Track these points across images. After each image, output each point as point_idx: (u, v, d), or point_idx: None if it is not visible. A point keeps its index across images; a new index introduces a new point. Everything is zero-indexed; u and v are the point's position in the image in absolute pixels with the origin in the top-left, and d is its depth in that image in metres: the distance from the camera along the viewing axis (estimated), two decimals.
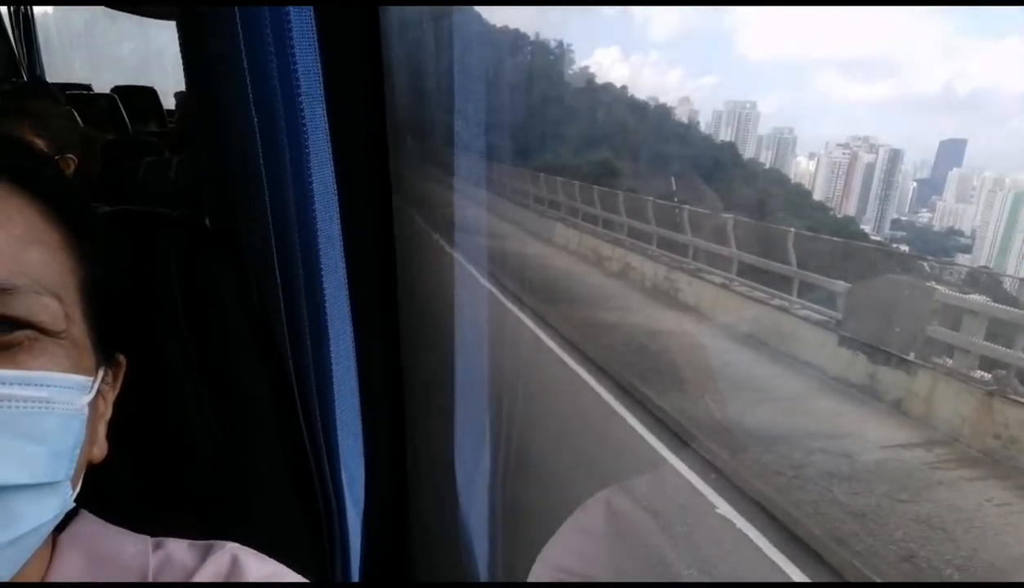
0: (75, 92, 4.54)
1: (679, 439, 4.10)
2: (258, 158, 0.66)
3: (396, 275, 0.84)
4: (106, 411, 0.56)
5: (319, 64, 0.67)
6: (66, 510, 0.50)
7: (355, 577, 0.79)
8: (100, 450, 0.55)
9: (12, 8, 5.10)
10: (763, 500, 3.62)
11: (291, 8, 0.64)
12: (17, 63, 4.89)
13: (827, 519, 3.61)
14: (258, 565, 0.57)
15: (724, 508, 3.62)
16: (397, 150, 0.90)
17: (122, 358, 0.58)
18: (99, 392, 0.53)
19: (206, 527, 0.57)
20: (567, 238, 8.66)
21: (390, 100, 0.84)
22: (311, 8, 0.65)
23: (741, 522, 3.53)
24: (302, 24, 0.65)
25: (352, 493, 0.77)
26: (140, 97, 4.31)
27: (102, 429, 0.55)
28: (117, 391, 0.57)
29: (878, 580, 3.19)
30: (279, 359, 0.71)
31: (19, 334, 0.47)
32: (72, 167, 1.84)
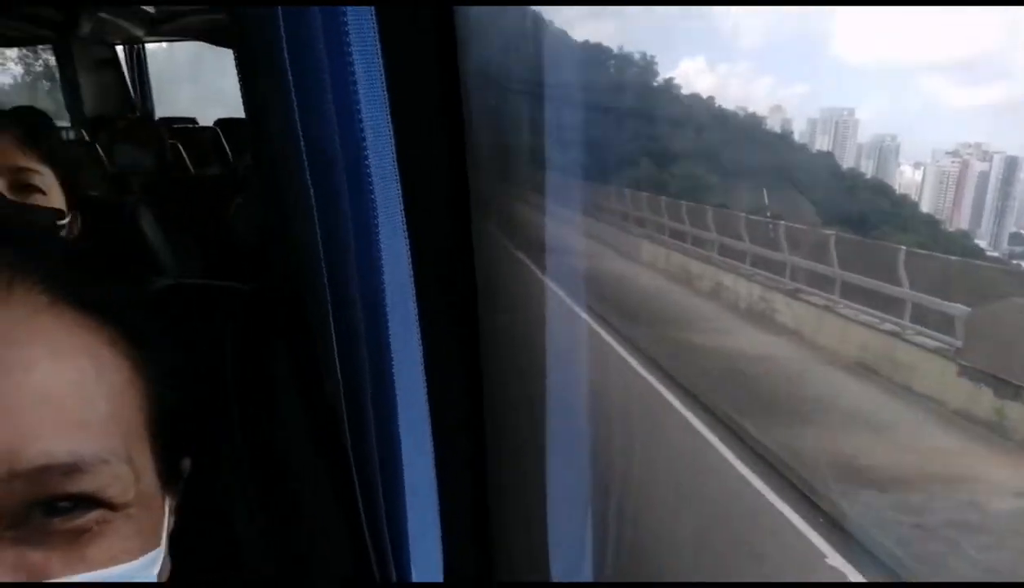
0: (181, 126, 4.77)
1: (783, 478, 3.84)
2: (314, 222, 0.58)
3: (476, 290, 0.75)
4: (171, 526, 0.49)
5: (382, 67, 0.59)
6: None
7: None
8: (164, 571, 0.48)
9: (127, 48, 5.45)
10: (878, 550, 3.33)
11: (349, 11, 0.56)
12: (131, 98, 5.20)
13: (955, 576, 3.28)
14: None
15: (835, 559, 3.35)
16: (476, 163, 0.82)
17: (187, 463, 0.51)
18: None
19: (261, 554, 0.50)
20: (654, 256, 8.42)
21: (467, 116, 0.76)
22: (372, 10, 0.58)
23: (856, 576, 3.25)
24: (361, 26, 0.57)
25: (420, 519, 0.68)
26: (240, 129, 4.48)
27: (165, 558, 0.48)
28: (177, 496, 0.50)
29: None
30: (338, 446, 0.63)
31: (90, 517, 0.39)
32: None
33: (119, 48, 5.26)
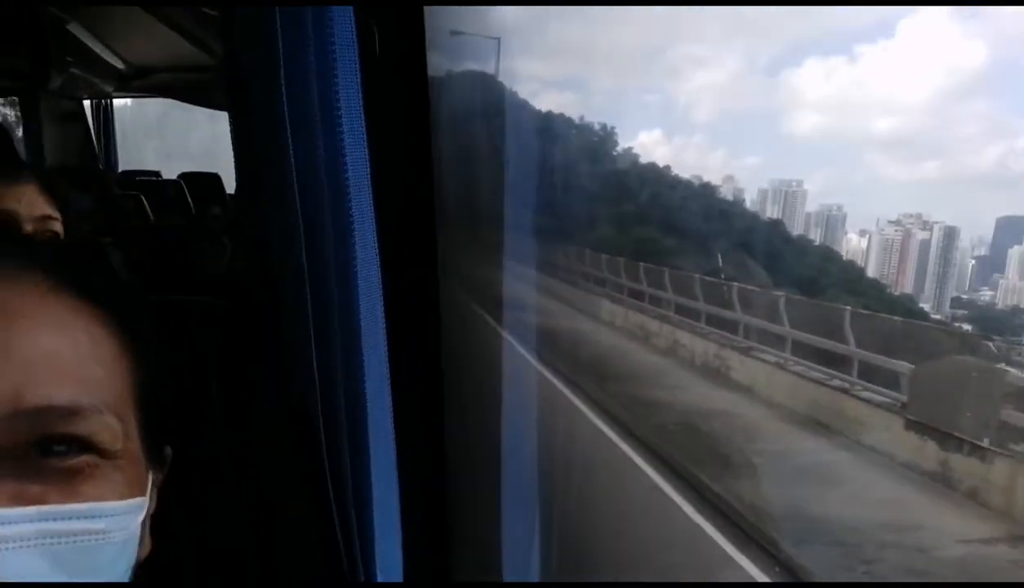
0: (144, 178, 4.80)
1: (738, 528, 3.87)
2: (300, 247, 0.65)
3: (442, 372, 0.81)
4: (152, 507, 0.54)
5: (366, 145, 0.66)
6: None
7: None
8: (145, 548, 0.53)
9: (94, 102, 5.50)
10: None
11: (338, 70, 0.63)
12: (94, 151, 5.23)
13: None
14: None
15: None
16: (444, 228, 0.89)
17: (169, 452, 0.56)
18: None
19: (230, 556, 0.54)
20: (613, 314, 8.59)
21: (437, 180, 0.83)
22: (358, 68, 0.65)
23: None
24: (349, 95, 0.64)
25: (384, 522, 0.71)
26: (204, 183, 4.54)
27: (147, 526, 0.53)
28: (160, 482, 0.55)
29: None
30: (315, 460, 0.67)
31: (82, 459, 0.45)
32: None
33: (86, 102, 5.31)
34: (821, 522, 4.01)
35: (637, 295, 8.65)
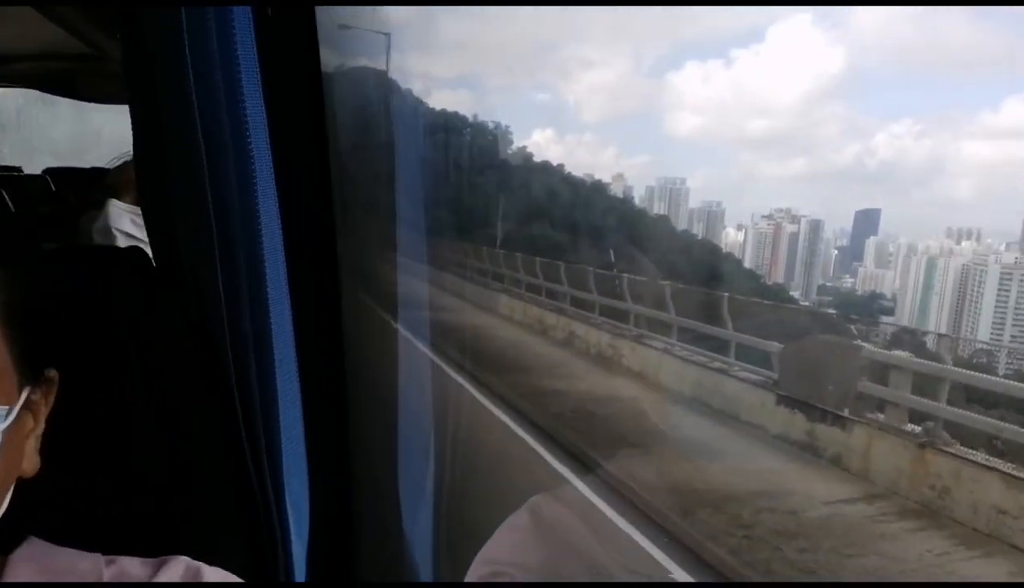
0: (5, 174, 4.44)
1: (630, 503, 4.08)
2: (207, 206, 0.68)
3: (341, 327, 0.86)
4: (36, 427, 0.55)
5: (265, 117, 0.70)
6: None
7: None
8: (31, 465, 0.54)
9: None
10: (716, 563, 3.62)
11: (240, 62, 0.66)
12: None
13: (779, 578, 3.63)
14: (211, 573, 0.57)
15: (678, 573, 3.59)
16: (343, 213, 0.93)
17: (54, 373, 0.58)
18: (28, 409, 0.53)
19: (147, 549, 0.56)
20: (512, 308, 8.76)
21: (335, 163, 0.87)
22: (257, 64, 0.68)
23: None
24: (250, 78, 0.67)
25: (297, 529, 0.76)
26: (71, 178, 4.26)
27: (32, 444, 0.55)
28: (51, 406, 0.57)
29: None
30: (224, 385, 0.71)
31: None
32: None
33: None
34: (703, 493, 4.31)
35: (534, 289, 8.85)
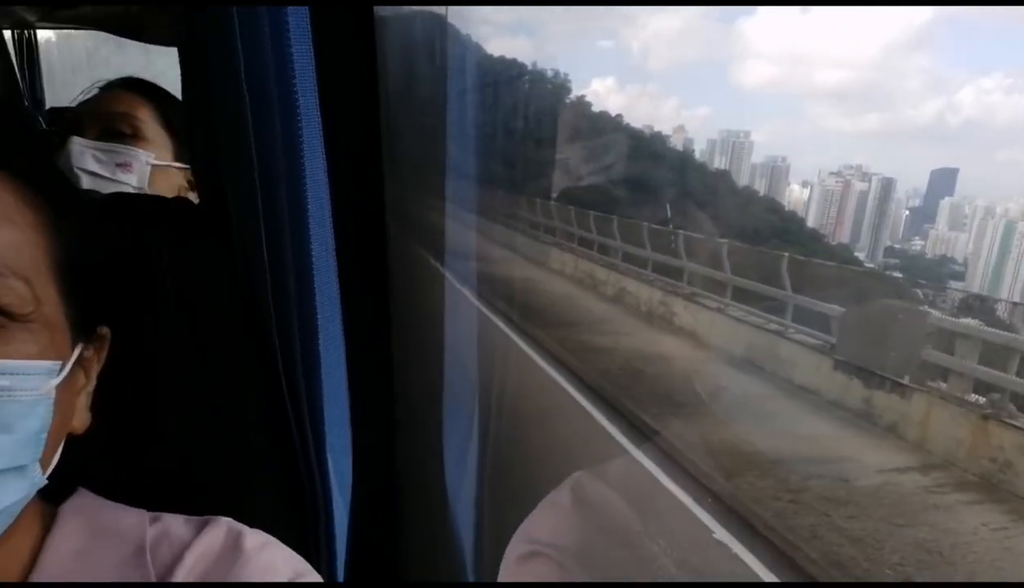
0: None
1: (675, 462, 4.08)
2: (251, 153, 0.68)
3: (387, 276, 0.86)
4: (88, 383, 0.57)
5: (314, 64, 0.69)
6: (36, 488, 0.52)
7: (340, 573, 0.80)
8: (81, 422, 0.56)
9: (16, 32, 5.16)
10: (760, 525, 3.60)
11: (288, 9, 0.66)
12: (19, 88, 4.94)
13: (825, 544, 3.59)
14: (252, 538, 0.58)
15: (721, 533, 3.59)
16: (392, 162, 0.92)
17: (106, 331, 0.59)
18: (80, 366, 0.54)
19: (190, 506, 0.59)
20: (563, 263, 8.70)
21: (384, 109, 0.87)
22: (307, 9, 0.68)
23: (737, 547, 3.50)
24: (299, 25, 0.67)
25: (340, 486, 0.78)
26: None
27: (83, 401, 0.56)
28: (103, 363, 0.58)
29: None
30: (267, 348, 0.72)
31: None
32: None
33: (7, 33, 4.98)
34: (751, 456, 4.27)
35: (587, 244, 8.75)
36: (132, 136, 1.41)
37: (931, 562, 3.49)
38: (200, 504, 0.59)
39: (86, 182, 1.37)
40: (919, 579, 3.43)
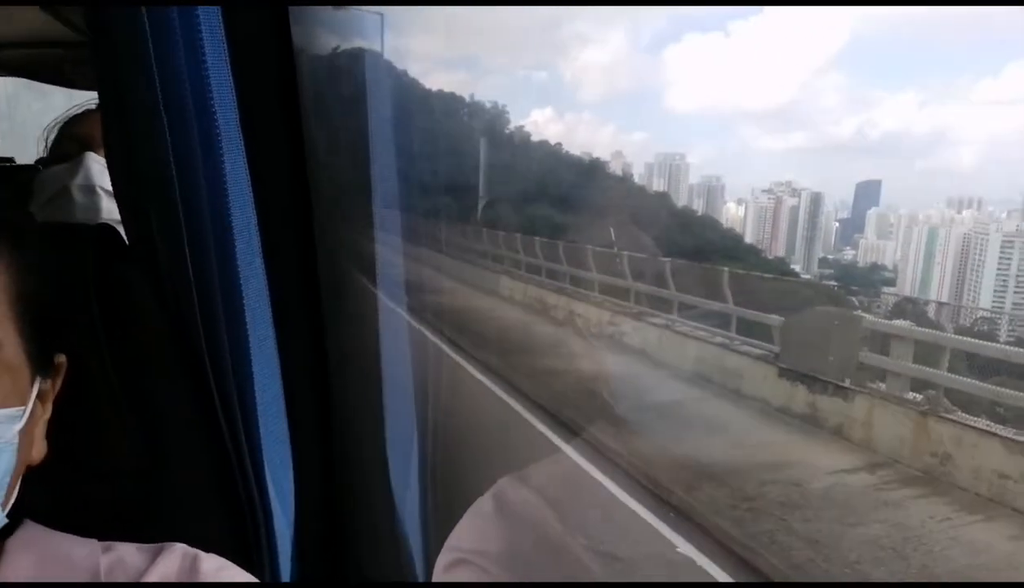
0: None
1: (633, 479, 4.11)
2: (170, 161, 0.67)
3: (319, 289, 0.85)
4: (45, 413, 0.55)
5: (230, 72, 0.69)
6: None
7: (286, 579, 0.78)
8: (38, 452, 0.54)
9: None
10: (721, 535, 3.65)
11: (200, 10, 0.65)
12: None
13: (783, 548, 3.65)
14: (208, 561, 0.57)
15: (684, 547, 3.62)
16: (330, 217, 0.92)
17: (62, 358, 0.57)
18: (39, 399, 0.53)
19: (132, 533, 0.56)
20: (512, 290, 8.75)
21: (314, 165, 0.86)
22: (219, 10, 0.67)
23: (702, 559, 3.53)
24: (212, 28, 0.67)
25: (281, 501, 0.76)
26: None
27: (41, 431, 0.54)
28: (58, 389, 0.56)
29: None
30: (199, 370, 0.70)
31: None
32: None
33: None
34: (708, 467, 4.34)
35: (534, 269, 8.84)
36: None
37: (885, 558, 3.59)
38: (141, 532, 0.57)
39: (105, 202, 1.29)
40: (875, 577, 3.52)
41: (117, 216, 0.83)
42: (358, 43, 1.27)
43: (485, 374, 5.50)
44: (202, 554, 0.58)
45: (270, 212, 0.76)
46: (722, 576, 3.38)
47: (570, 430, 4.67)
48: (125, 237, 0.79)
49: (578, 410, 4.91)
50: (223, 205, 0.69)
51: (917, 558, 3.65)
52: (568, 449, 4.48)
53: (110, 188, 1.23)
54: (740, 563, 3.46)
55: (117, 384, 0.64)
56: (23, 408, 0.50)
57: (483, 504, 0.75)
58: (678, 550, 3.64)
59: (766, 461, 4.55)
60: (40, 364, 0.54)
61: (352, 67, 1.18)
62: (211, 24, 0.68)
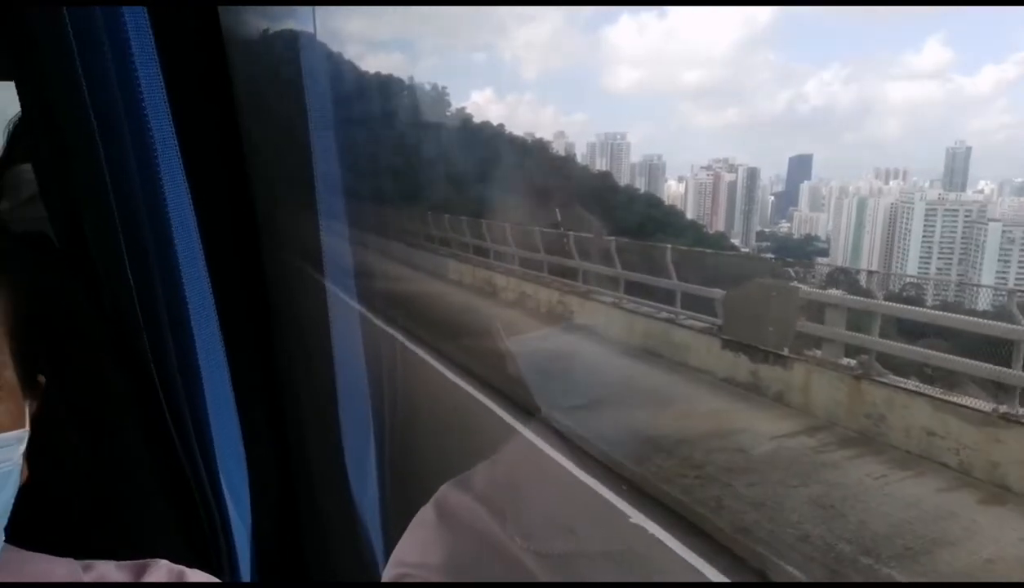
0: None
1: (587, 455, 4.19)
2: (102, 165, 0.65)
3: (265, 288, 0.84)
4: (27, 434, 0.53)
5: (160, 70, 0.67)
6: None
7: (246, 580, 0.77)
8: (25, 475, 0.53)
9: None
10: (671, 502, 3.76)
11: (126, 10, 0.63)
12: None
13: (730, 512, 3.80)
14: (194, 575, 0.56)
15: (636, 517, 3.72)
16: (273, 205, 0.90)
17: (42, 379, 0.56)
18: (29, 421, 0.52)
19: (84, 547, 0.55)
20: (461, 273, 8.74)
21: (242, 116, 0.84)
22: (145, 10, 0.65)
23: (653, 527, 3.63)
24: (139, 29, 0.64)
25: (235, 497, 0.75)
26: None
27: (24, 453, 0.53)
28: (37, 410, 0.55)
29: (877, 580, 3.35)
30: (141, 367, 0.69)
31: None
32: None
33: None
34: (657, 439, 4.46)
35: (482, 252, 8.84)
36: None
37: (825, 516, 3.77)
38: (99, 547, 0.55)
39: None
40: (817, 533, 3.70)
41: None
42: (290, 27, 1.24)
43: (438, 360, 5.50)
44: (187, 569, 0.57)
45: (210, 211, 0.75)
46: (671, 542, 3.49)
47: (527, 412, 4.73)
48: (57, 242, 0.76)
49: (529, 390, 4.96)
50: (160, 208, 0.67)
51: (855, 514, 3.85)
52: (526, 431, 4.54)
53: None
54: (690, 528, 3.58)
55: (60, 398, 0.63)
56: (25, 429, 0.50)
57: (426, 514, 0.75)
58: (631, 520, 3.74)
59: (712, 429, 4.71)
60: (28, 385, 0.53)
61: (286, 55, 1.15)
62: (138, 24, 0.66)
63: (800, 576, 3.24)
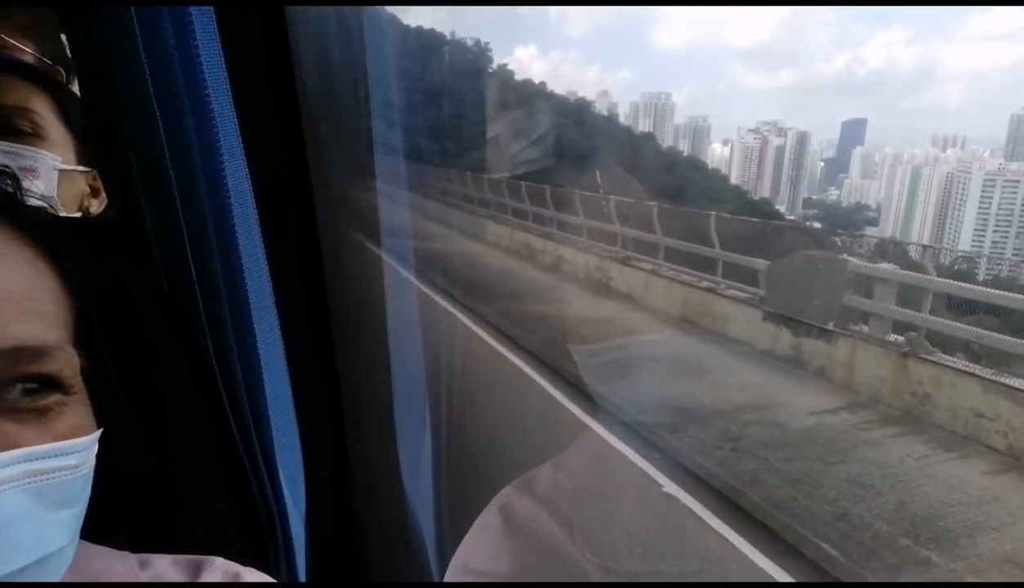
0: None
1: (623, 424, 4.20)
2: (164, 157, 0.64)
3: (323, 271, 0.83)
4: None
5: (224, 63, 0.65)
6: None
7: (301, 579, 0.78)
8: None
9: None
10: (705, 474, 3.75)
11: (192, 8, 0.62)
12: None
13: (765, 487, 3.77)
14: (250, 575, 0.56)
15: (669, 486, 3.73)
16: (316, 153, 0.88)
17: (107, 373, 0.56)
18: None
19: (139, 540, 0.55)
20: (499, 235, 8.71)
21: (303, 100, 0.82)
22: (212, 8, 0.63)
23: (685, 497, 3.64)
24: (204, 24, 0.63)
25: (293, 492, 0.76)
26: None
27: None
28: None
29: (874, 579, 3.33)
30: (201, 360, 0.69)
31: (52, 399, 0.45)
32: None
33: None
34: (693, 410, 4.43)
35: (521, 214, 8.78)
36: (32, 135, 1.21)
37: (864, 495, 3.72)
38: (148, 535, 0.56)
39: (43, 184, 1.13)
40: (855, 511, 3.65)
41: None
42: (353, 20, 1.22)
43: (477, 323, 5.54)
44: (242, 569, 0.57)
45: (272, 209, 0.73)
46: (704, 513, 3.50)
47: (561, 377, 4.74)
48: (117, 227, 0.76)
49: (568, 357, 4.97)
50: (223, 205, 0.66)
51: (894, 494, 3.79)
52: (560, 397, 4.56)
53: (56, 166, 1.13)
54: (722, 501, 3.57)
55: (120, 388, 0.63)
56: (97, 433, 0.51)
57: (489, 517, 0.74)
58: (664, 489, 3.75)
59: (749, 403, 4.65)
60: (95, 384, 0.53)
61: (348, 48, 1.13)
62: (204, 23, 0.64)
63: (835, 554, 3.21)
